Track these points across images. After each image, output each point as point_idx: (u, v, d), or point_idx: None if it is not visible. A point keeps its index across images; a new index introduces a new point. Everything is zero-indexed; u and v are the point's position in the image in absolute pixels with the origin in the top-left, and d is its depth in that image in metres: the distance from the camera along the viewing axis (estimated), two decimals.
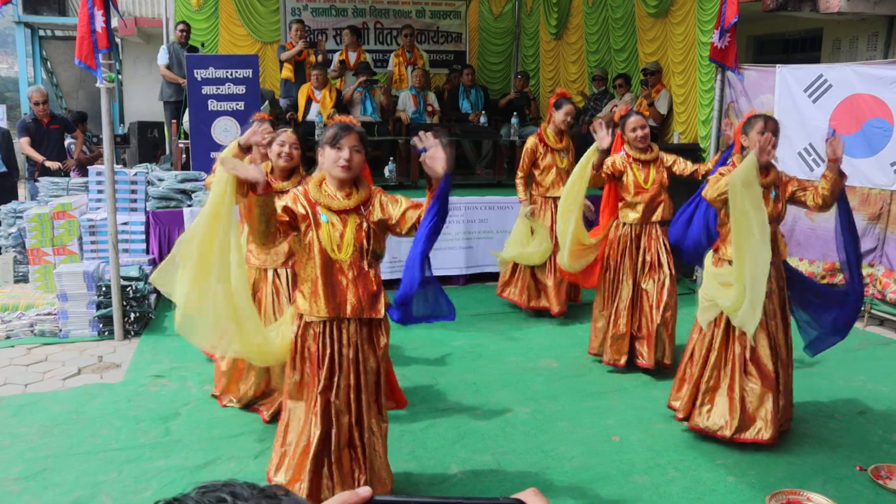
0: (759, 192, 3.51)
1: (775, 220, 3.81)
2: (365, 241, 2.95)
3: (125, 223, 6.25)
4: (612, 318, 4.92)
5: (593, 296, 5.23)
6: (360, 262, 2.96)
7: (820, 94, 6.22)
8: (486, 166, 8.75)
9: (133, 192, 6.48)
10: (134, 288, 5.61)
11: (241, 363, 4.17)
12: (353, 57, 9.27)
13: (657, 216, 4.84)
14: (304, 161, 4.34)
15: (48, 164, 7.83)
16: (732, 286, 3.62)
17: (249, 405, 4.25)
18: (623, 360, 4.88)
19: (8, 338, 5.47)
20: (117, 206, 5.71)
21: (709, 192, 3.75)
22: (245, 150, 3.69)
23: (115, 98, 12.83)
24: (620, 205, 4.93)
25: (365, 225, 2.95)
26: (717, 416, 3.84)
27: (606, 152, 4.69)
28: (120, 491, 3.39)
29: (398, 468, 3.48)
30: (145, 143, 9.34)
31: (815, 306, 3.97)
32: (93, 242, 6.21)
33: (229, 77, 7.00)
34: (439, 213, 2.82)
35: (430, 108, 9.00)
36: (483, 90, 9.94)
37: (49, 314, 5.61)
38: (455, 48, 11.05)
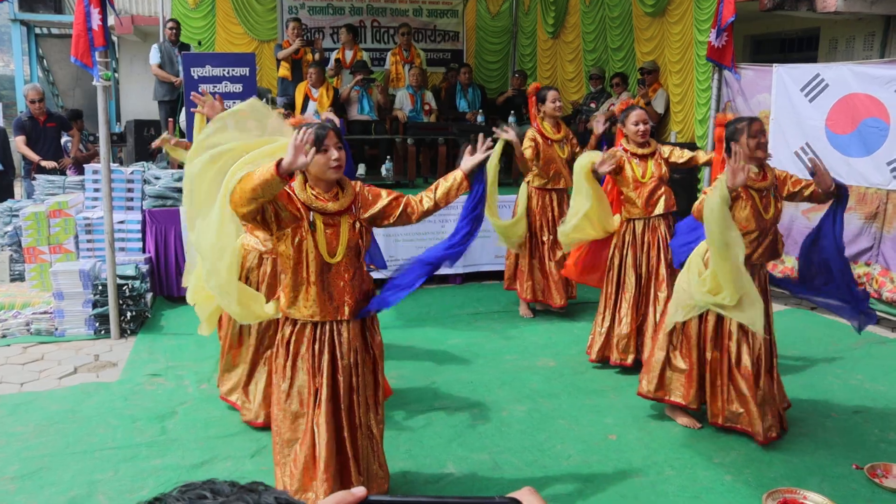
0: (728, 218, 3.50)
1: (775, 221, 3.82)
2: (359, 240, 2.94)
3: (121, 222, 6.24)
4: (617, 318, 4.91)
5: (587, 292, 5.21)
6: (355, 261, 2.96)
7: (816, 94, 6.23)
8: None
9: (129, 190, 6.47)
10: (130, 286, 5.60)
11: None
12: (349, 55, 9.26)
13: (659, 209, 4.82)
14: None
15: (44, 163, 7.81)
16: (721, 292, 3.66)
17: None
18: (630, 360, 4.85)
19: (4, 336, 5.46)
20: (114, 205, 5.70)
21: (696, 210, 3.75)
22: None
23: (112, 96, 12.80)
24: (622, 198, 4.93)
25: (357, 224, 2.94)
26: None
27: (601, 144, 4.71)
28: (116, 490, 3.38)
29: (394, 467, 3.48)
30: (142, 142, 9.29)
31: (827, 285, 3.96)
32: (89, 241, 6.20)
33: (226, 75, 6.98)
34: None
35: (427, 107, 9.00)
36: (480, 89, 9.94)
37: (45, 313, 5.59)
38: (452, 47, 11.05)
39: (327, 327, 2.95)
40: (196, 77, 6.92)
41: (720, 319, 3.85)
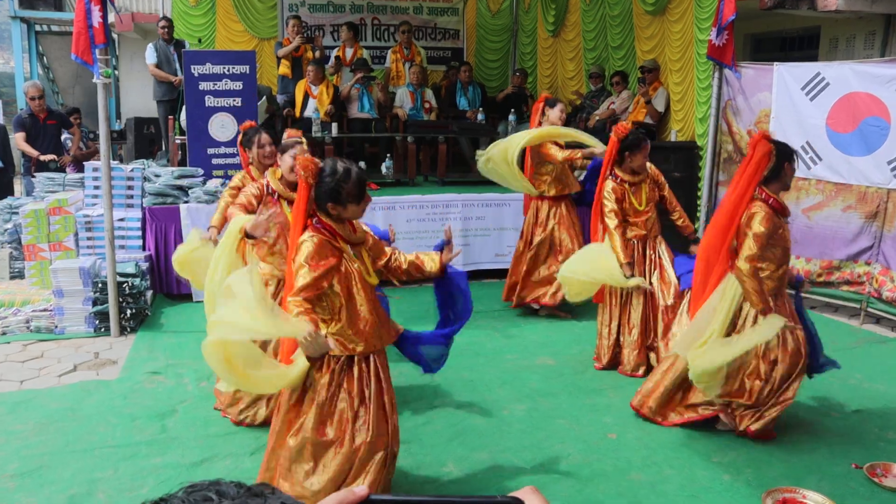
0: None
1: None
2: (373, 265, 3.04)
3: (121, 219, 6.24)
4: (626, 330, 4.87)
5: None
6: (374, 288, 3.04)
7: (817, 93, 6.22)
8: None
9: (129, 188, 6.46)
10: (130, 284, 5.60)
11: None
12: (350, 53, 9.25)
13: (654, 231, 4.92)
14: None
15: (43, 157, 7.80)
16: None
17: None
18: (642, 371, 4.83)
19: (4, 334, 5.46)
20: (114, 203, 5.70)
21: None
22: (248, 237, 3.75)
23: (112, 94, 12.79)
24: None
25: (368, 253, 3.04)
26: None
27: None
28: (116, 488, 3.39)
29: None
30: (142, 139, 9.31)
31: None
32: (89, 238, 6.20)
33: (226, 73, 6.98)
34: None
35: (427, 105, 9.00)
36: (480, 87, 9.94)
37: (45, 310, 5.59)
38: (452, 45, 11.05)
39: (370, 357, 2.98)
40: (196, 75, 6.91)
41: None
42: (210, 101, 6.97)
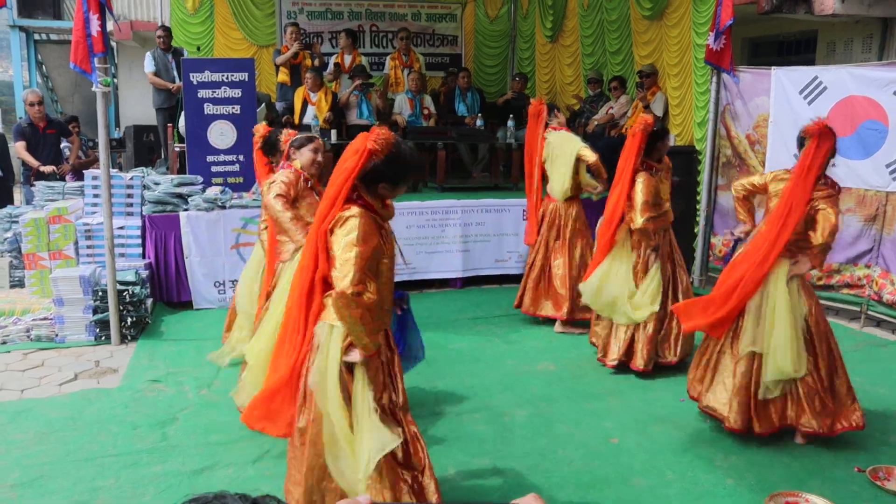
0: None
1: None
2: None
3: (121, 227, 6.24)
4: (642, 324, 4.84)
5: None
6: None
7: (815, 96, 6.23)
8: (483, 169, 8.76)
9: (129, 196, 6.46)
10: (130, 292, 5.60)
11: None
12: (348, 60, 9.27)
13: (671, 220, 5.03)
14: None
15: (43, 168, 7.81)
16: None
17: None
18: (651, 366, 4.83)
19: (4, 343, 5.45)
20: (113, 211, 5.70)
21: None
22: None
23: (111, 102, 12.81)
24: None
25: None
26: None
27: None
28: (117, 497, 3.38)
29: None
30: (141, 147, 9.31)
31: None
32: (89, 247, 6.19)
33: (225, 81, 6.99)
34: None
35: (426, 112, 9.01)
36: (479, 93, 9.96)
37: (45, 319, 5.59)
38: (451, 51, 11.07)
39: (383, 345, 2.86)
40: (195, 82, 6.93)
41: None
42: (209, 109, 6.98)
